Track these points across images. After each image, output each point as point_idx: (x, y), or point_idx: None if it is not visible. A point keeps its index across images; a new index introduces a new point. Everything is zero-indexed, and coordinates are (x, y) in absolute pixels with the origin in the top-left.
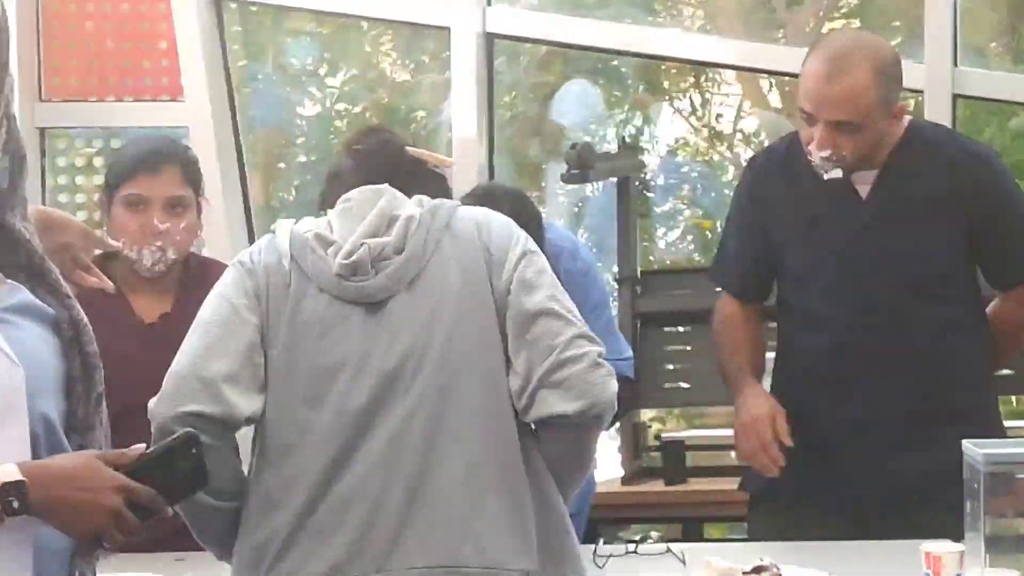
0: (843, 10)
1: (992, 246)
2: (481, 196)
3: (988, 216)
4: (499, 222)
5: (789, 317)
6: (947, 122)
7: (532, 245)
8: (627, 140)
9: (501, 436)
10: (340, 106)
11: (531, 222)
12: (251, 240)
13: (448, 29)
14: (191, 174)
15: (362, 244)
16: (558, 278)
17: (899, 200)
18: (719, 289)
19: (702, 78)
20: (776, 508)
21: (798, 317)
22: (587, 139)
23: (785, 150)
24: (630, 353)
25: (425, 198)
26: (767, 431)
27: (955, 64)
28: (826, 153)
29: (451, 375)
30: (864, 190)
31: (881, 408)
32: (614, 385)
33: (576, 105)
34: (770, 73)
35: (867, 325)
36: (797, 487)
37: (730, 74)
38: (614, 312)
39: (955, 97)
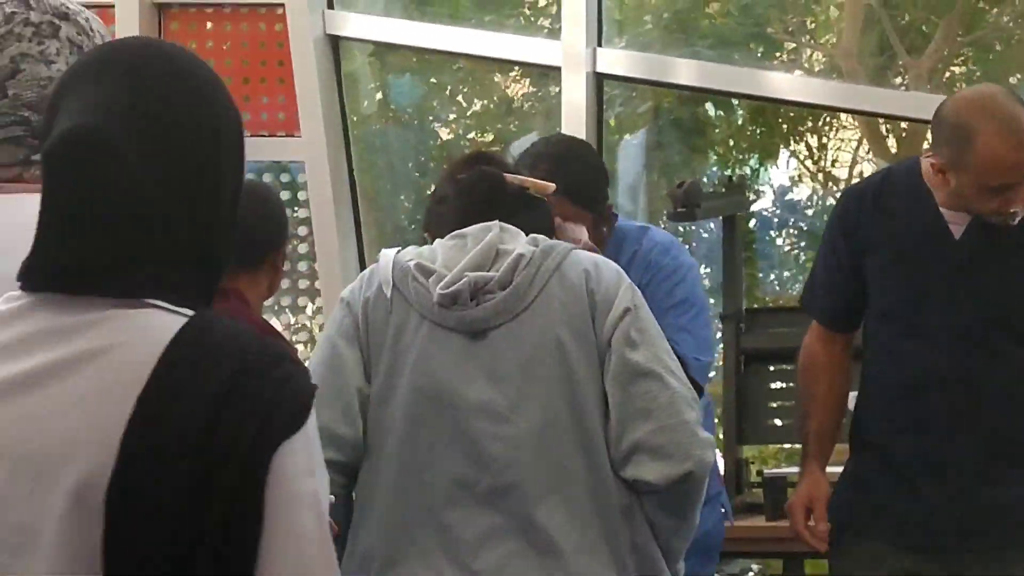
0: (962, 57)
1: None
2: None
3: None
4: (610, 271)
5: (873, 352)
6: None
7: (639, 299)
8: (733, 179)
9: (598, 480)
10: (472, 135)
11: (600, 172)
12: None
13: (559, 69)
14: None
15: (463, 277)
16: (646, 263)
17: (993, 243)
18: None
19: (820, 121)
20: (857, 542)
21: (882, 353)
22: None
23: (880, 183)
24: (710, 358)
25: (541, 237)
26: (799, 520)
27: None
28: (1017, 208)
29: (549, 416)
30: (957, 230)
31: (963, 445)
32: (711, 455)
33: None
34: (888, 118)
35: (951, 364)
36: (878, 521)
37: (848, 117)
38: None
39: None
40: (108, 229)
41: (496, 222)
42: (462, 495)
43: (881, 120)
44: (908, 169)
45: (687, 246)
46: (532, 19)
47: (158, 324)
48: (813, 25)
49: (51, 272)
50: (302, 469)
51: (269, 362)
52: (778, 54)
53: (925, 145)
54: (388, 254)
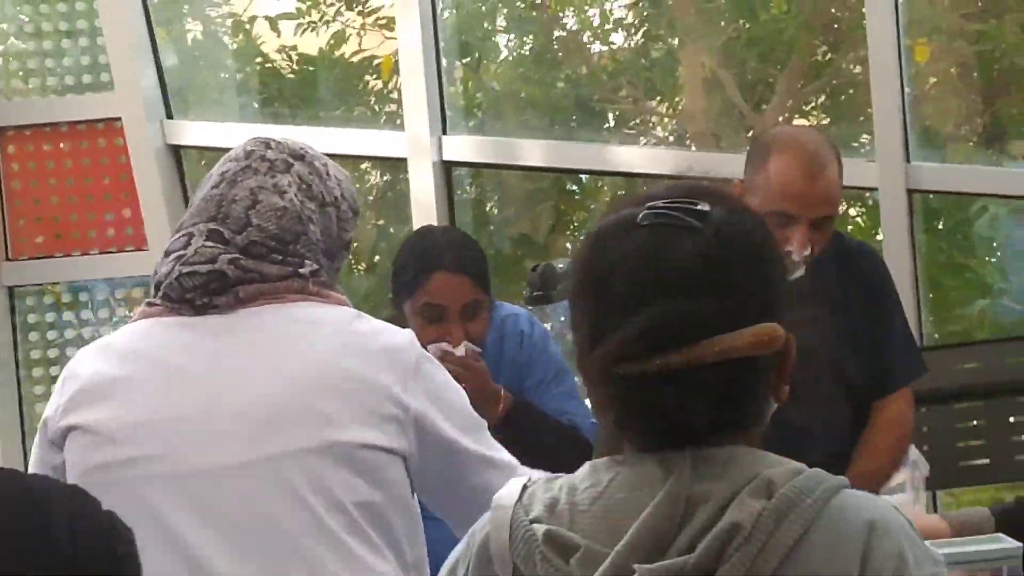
0: (811, 105)
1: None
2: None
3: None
4: (892, 541)
5: None
6: (904, 217)
7: None
8: None
9: None
10: None
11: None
12: None
13: (405, 160)
14: None
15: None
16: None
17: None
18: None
19: None
20: None
21: None
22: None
23: None
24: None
25: (775, 474)
26: None
27: (907, 159)
28: (808, 251)
29: None
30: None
31: None
32: None
33: None
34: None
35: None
36: None
37: None
38: None
39: (910, 192)
40: None
41: (687, 451)
42: None
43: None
44: None
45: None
46: (376, 107)
47: None
48: (658, 97)
49: None
50: None
51: None
52: (631, 124)
53: None
54: (503, 510)
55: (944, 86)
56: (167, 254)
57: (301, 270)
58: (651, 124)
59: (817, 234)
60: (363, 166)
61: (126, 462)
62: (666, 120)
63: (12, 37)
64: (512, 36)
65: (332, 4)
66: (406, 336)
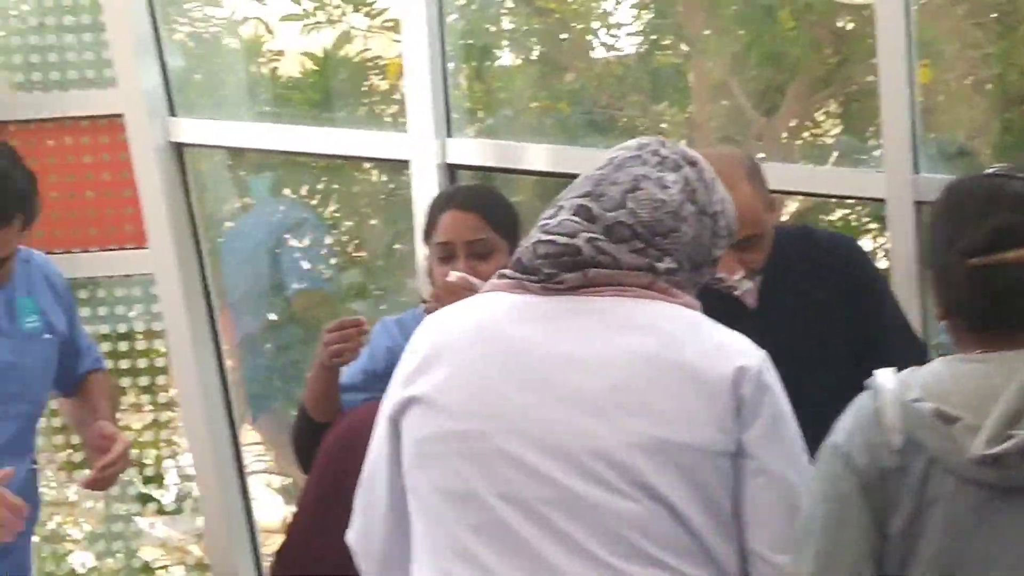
0: (821, 112)
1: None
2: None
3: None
4: None
5: None
6: (911, 229)
7: None
8: None
9: None
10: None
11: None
12: (225, 387)
13: (408, 162)
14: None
15: (1009, 436)
16: None
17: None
18: None
19: None
20: None
21: None
22: None
23: None
24: None
25: None
26: None
27: (915, 171)
28: (740, 274)
29: None
30: (748, 299)
31: None
32: None
33: None
34: None
35: None
36: None
37: None
38: None
39: (918, 204)
40: None
41: None
42: None
43: None
44: None
45: None
46: (377, 108)
47: None
48: (666, 102)
49: None
50: None
51: None
52: (639, 131)
53: (785, 216)
54: (887, 386)
55: (956, 98)
56: (537, 227)
57: (658, 264)
58: (660, 130)
59: (748, 254)
60: (364, 166)
61: (454, 434)
62: (674, 127)
63: (16, 31)
64: (517, 41)
65: (339, 6)
66: (758, 356)
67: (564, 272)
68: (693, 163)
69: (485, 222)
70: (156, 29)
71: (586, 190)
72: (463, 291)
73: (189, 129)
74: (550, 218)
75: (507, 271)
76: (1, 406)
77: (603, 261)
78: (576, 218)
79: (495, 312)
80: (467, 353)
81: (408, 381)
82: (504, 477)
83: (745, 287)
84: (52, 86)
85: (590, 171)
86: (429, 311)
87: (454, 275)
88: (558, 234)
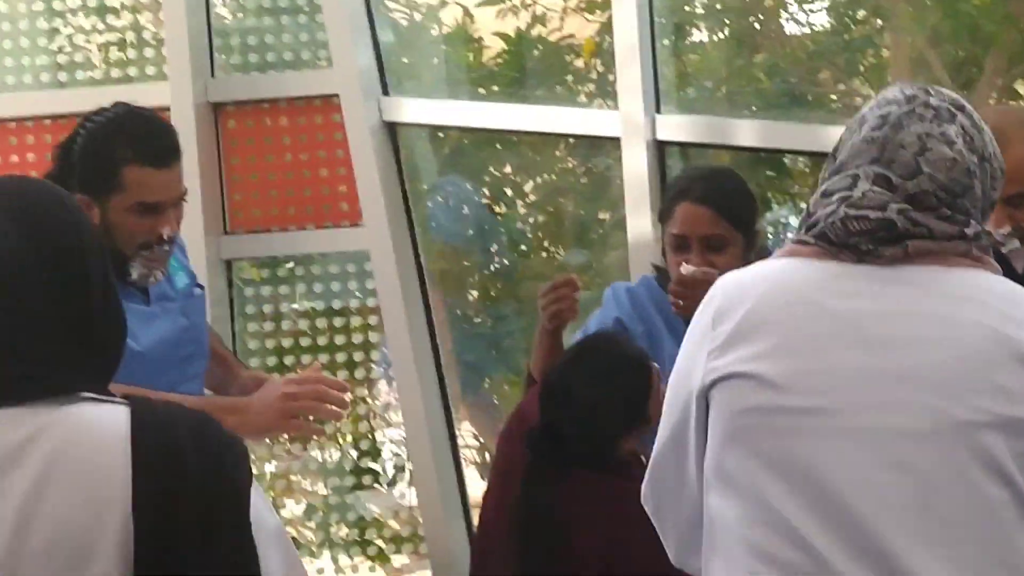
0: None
1: None
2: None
3: None
4: None
5: None
6: None
7: None
8: None
9: None
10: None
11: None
12: (438, 362)
13: (619, 140)
14: None
15: None
16: None
17: None
18: None
19: None
20: None
21: None
22: None
23: None
24: None
25: None
26: None
27: None
28: (1007, 229)
29: None
30: (1017, 260)
31: None
32: None
33: None
34: None
35: None
36: None
37: None
38: None
39: None
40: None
41: None
42: None
43: None
44: None
45: None
46: (574, 87)
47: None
48: (863, 70)
49: None
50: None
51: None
52: (833, 101)
53: None
54: None
55: None
56: (827, 194)
57: (967, 230)
58: (855, 105)
59: (1020, 211)
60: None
61: (787, 410)
62: (869, 100)
63: (233, 14)
64: (713, 17)
65: None
66: None
67: (882, 247)
68: (962, 107)
69: (720, 216)
70: (370, 11)
71: (874, 156)
72: (701, 284)
73: (402, 108)
74: (848, 189)
75: (808, 239)
76: (188, 367)
77: (919, 232)
78: (878, 188)
79: (809, 281)
80: (789, 324)
81: (719, 353)
82: (851, 459)
83: (1013, 245)
84: (268, 67)
85: (864, 132)
86: (673, 295)
87: (687, 268)
88: (868, 208)
